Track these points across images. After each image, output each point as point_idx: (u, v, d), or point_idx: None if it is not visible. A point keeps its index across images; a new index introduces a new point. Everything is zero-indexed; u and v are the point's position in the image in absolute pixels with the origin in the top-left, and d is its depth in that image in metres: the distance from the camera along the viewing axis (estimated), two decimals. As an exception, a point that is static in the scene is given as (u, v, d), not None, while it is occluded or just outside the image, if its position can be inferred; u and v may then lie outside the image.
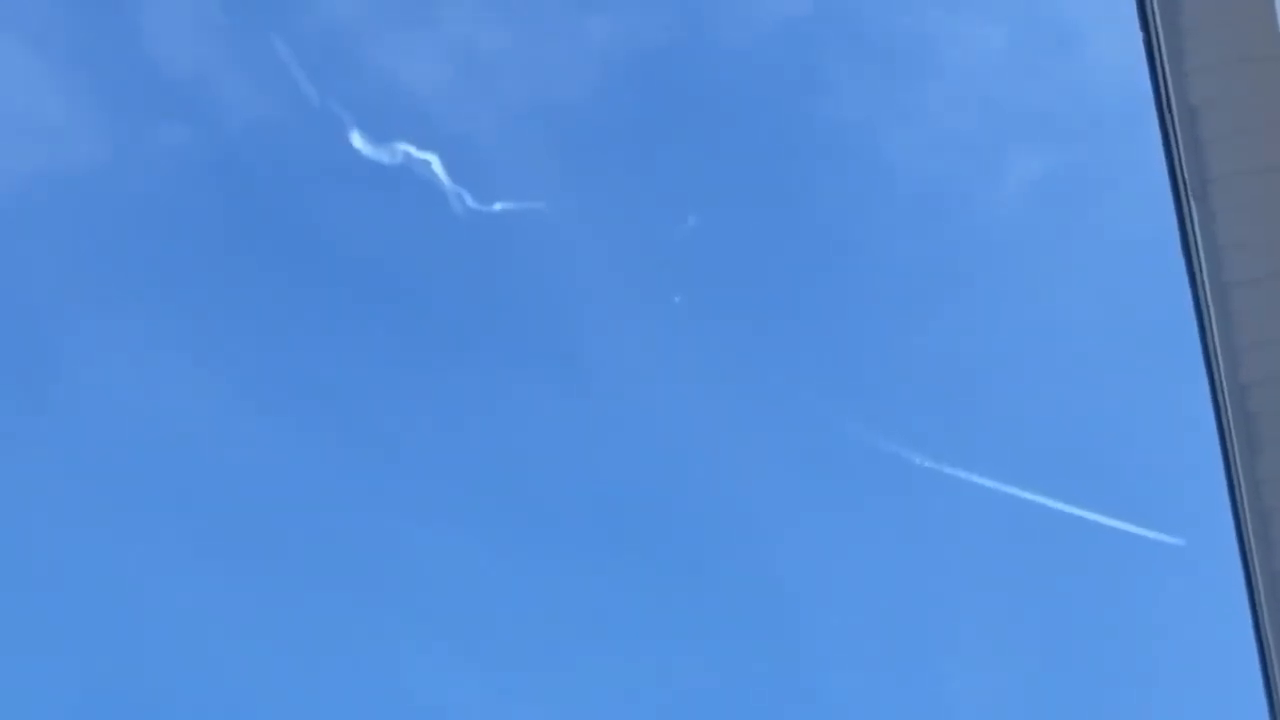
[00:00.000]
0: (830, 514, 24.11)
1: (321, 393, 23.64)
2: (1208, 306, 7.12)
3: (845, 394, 24.14)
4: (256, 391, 23.58)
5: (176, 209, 23.48)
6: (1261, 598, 7.68)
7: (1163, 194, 7.24)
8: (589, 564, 24.17)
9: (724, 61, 23.57)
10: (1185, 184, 6.96)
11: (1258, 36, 6.67)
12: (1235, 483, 7.39)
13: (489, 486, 23.79)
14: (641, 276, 23.26)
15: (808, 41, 23.50)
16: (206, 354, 23.41)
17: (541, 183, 22.99)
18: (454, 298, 23.33)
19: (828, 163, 23.89)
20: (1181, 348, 7.56)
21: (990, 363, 23.96)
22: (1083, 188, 24.06)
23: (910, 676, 23.89)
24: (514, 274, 23.17)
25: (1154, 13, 6.66)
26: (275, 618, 23.52)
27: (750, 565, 24.15)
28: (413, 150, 21.49)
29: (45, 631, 23.24)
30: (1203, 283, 7.07)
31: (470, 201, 21.68)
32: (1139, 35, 6.87)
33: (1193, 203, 6.94)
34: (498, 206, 21.85)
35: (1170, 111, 6.84)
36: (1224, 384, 7.13)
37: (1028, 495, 21.84)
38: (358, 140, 21.64)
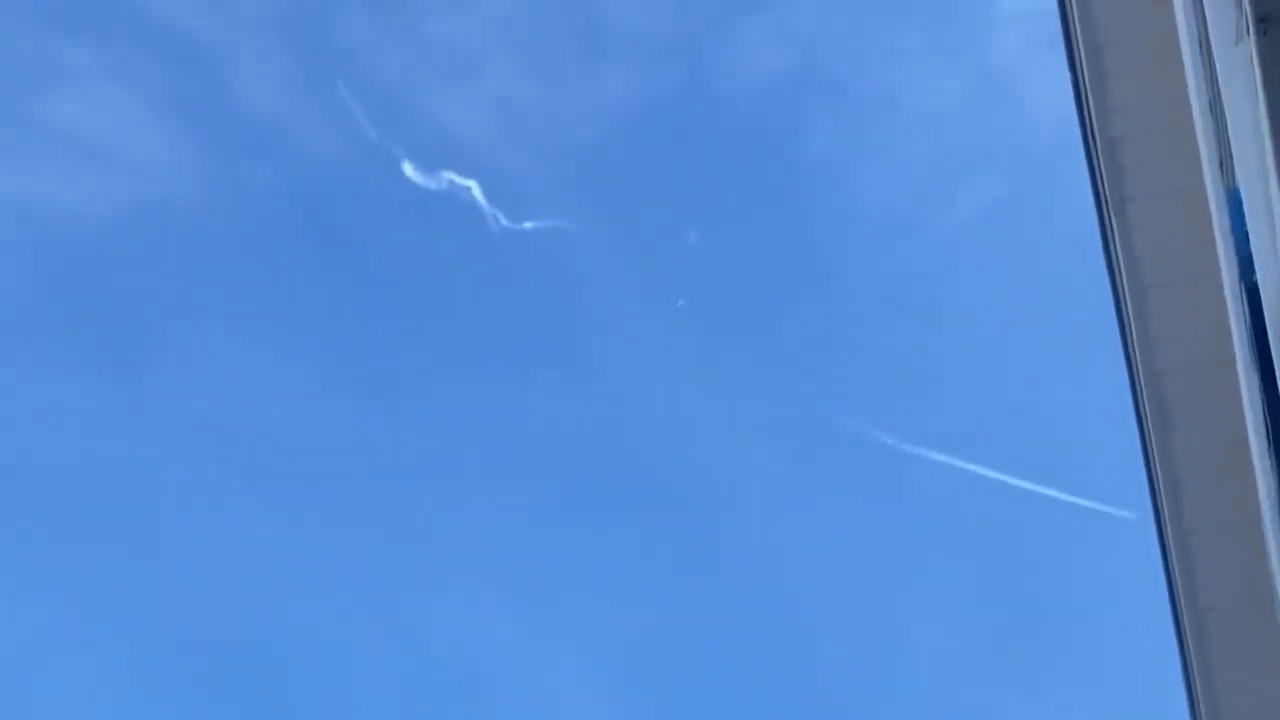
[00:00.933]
0: (812, 487, 24.22)
1: (380, 383, 23.78)
2: (1127, 306, 7.22)
3: (825, 385, 24.25)
4: (326, 383, 23.74)
5: (258, 231, 23.63)
6: (1173, 554, 7.76)
7: (1088, 212, 7.38)
8: (603, 529, 24.30)
9: (719, 105, 23.71)
10: (1108, 203, 7.07)
11: (1169, 81, 6.78)
12: (1150, 456, 7.48)
13: (520, 464, 23.92)
14: (649, 283, 23.41)
15: (791, 90, 23.65)
16: (283, 352, 23.57)
17: (564, 205, 23.17)
18: (489, 302, 23.48)
19: (808, 190, 24.03)
20: (1106, 341, 7.68)
21: (949, 359, 24.06)
22: (1022, 210, 24.20)
23: (879, 622, 23.97)
24: (541, 281, 23.35)
25: (1081, 60, 6.79)
26: (343, 569, 23.67)
27: (742, 530, 24.27)
28: (456, 178, 21.66)
29: (146, 582, 23.39)
30: (1123, 286, 7.17)
31: (504, 221, 21.86)
32: (1068, 78, 7.00)
33: (1114, 219, 7.06)
34: (527, 225, 22.03)
35: (1095, 143, 6.96)
36: (1141, 372, 7.21)
37: (986, 471, 21.94)
38: (409, 170, 21.82)
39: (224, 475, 23.49)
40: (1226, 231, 5.81)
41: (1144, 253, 7.08)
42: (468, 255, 23.14)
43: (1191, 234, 6.87)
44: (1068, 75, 7.15)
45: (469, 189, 21.60)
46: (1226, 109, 4.51)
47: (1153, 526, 7.96)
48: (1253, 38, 3.57)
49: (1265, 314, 4.20)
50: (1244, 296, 5.06)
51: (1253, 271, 5.07)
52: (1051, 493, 21.52)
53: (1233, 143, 4.38)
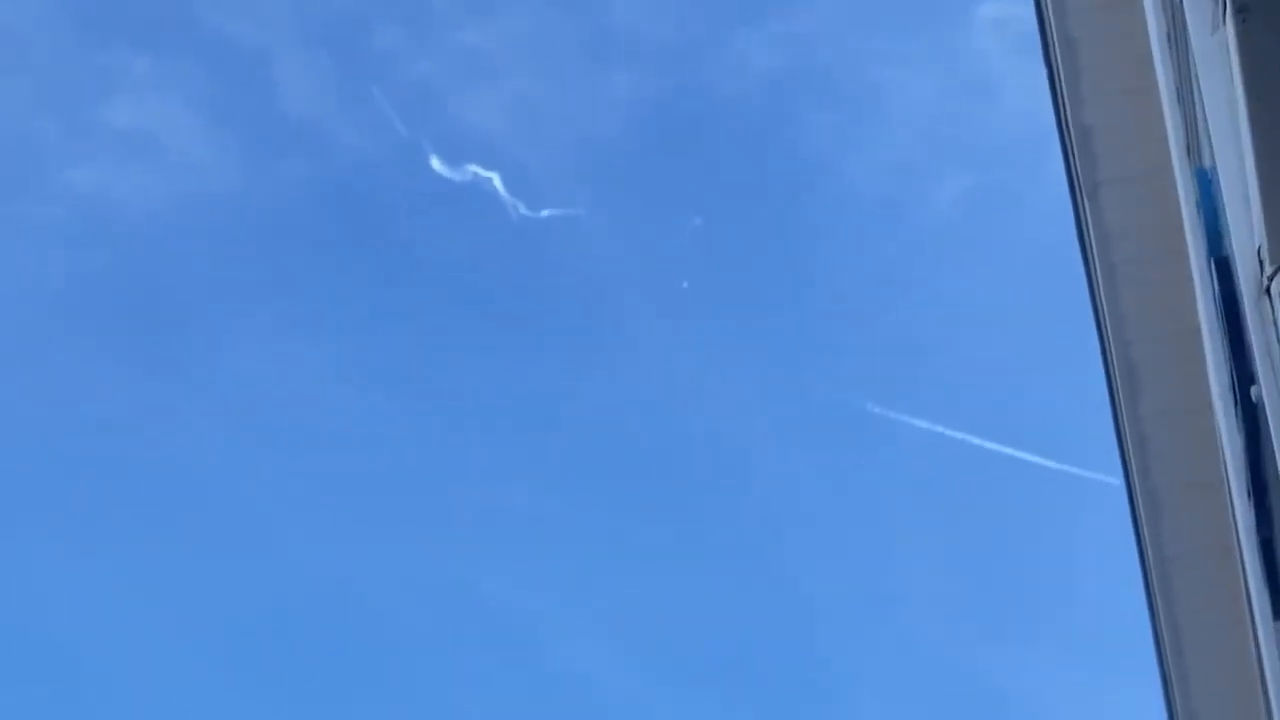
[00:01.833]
0: (806, 454, 24.13)
1: (409, 363, 23.71)
2: (1098, 282, 7.12)
3: (818, 359, 24.16)
4: (361, 365, 23.64)
5: (297, 223, 23.53)
6: (1140, 510, 7.67)
7: (1061, 199, 7.25)
8: (614, 495, 24.24)
9: (719, 103, 23.57)
10: (1080, 187, 6.96)
11: (1137, 73, 6.66)
12: (1120, 418, 7.38)
13: (536, 435, 23.86)
14: (656, 266, 23.31)
15: (785, 89, 23.49)
16: (322, 337, 23.47)
17: (578, 195, 23.05)
18: (509, 285, 23.41)
19: (801, 180, 23.90)
20: (1079, 314, 7.56)
21: (934, 335, 23.97)
22: (1000, 197, 24.06)
23: (870, 580, 23.91)
24: (557, 264, 23.26)
25: (1055, 54, 6.66)
26: (378, 540, 23.62)
27: (741, 492, 24.20)
28: (479, 171, 21.54)
29: (193, 552, 23.36)
30: (1094, 264, 7.07)
31: (523, 210, 21.74)
32: (1044, 72, 6.87)
33: (1086, 202, 6.94)
34: (544, 213, 21.90)
35: (1068, 130, 6.84)
36: (1111, 339, 7.12)
37: (969, 438, 21.87)
38: (436, 164, 21.68)
39: (264, 452, 23.42)
40: (1195, 210, 5.67)
41: (1114, 232, 6.97)
42: (489, 241, 23.07)
43: (1158, 215, 6.76)
44: (1043, 70, 7.01)
45: (491, 180, 21.48)
46: (1203, 95, 4.36)
47: (1122, 483, 7.87)
48: (1230, 26, 3.40)
49: (1238, 284, 4.06)
50: (1213, 268, 4.92)
51: (1220, 246, 4.93)
52: (1032, 458, 21.42)
53: (1209, 127, 4.23)
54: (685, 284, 22.83)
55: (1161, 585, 7.61)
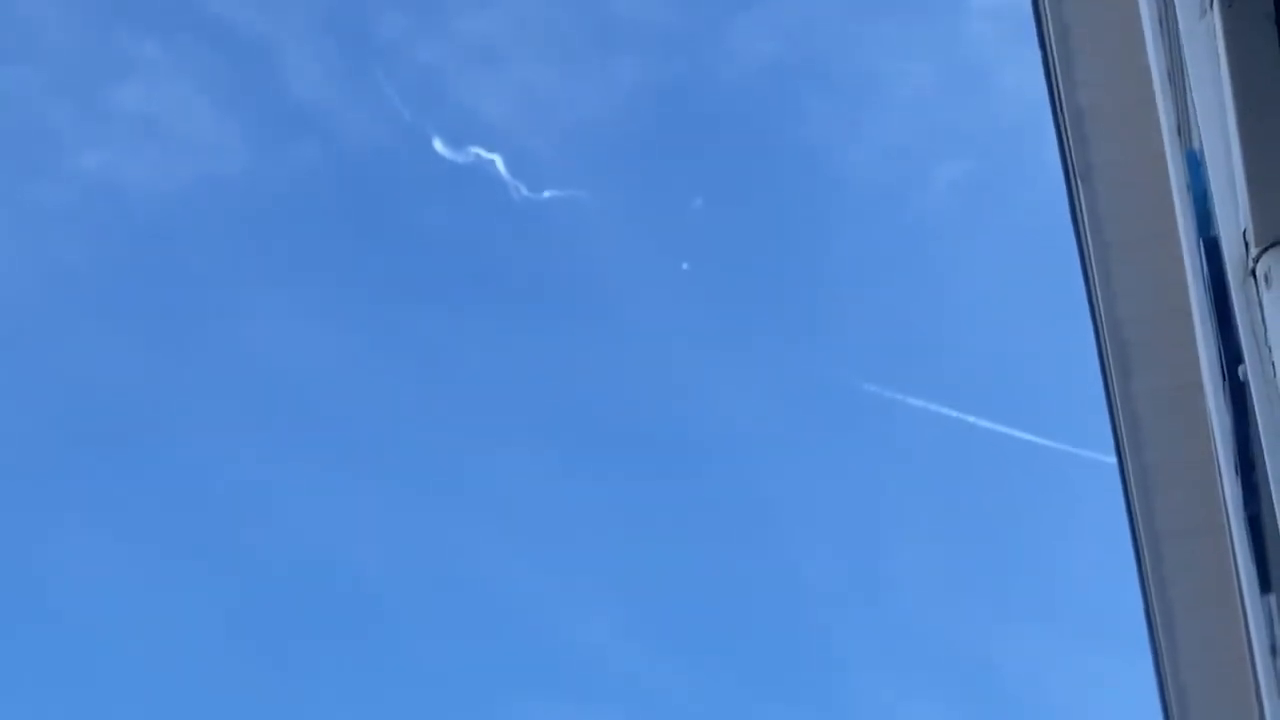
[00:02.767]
0: (805, 431, 24.19)
1: (414, 344, 23.76)
2: (1091, 263, 7.15)
3: (816, 339, 24.20)
4: (366, 345, 23.69)
5: (305, 206, 23.57)
6: (1133, 487, 7.71)
7: (1055, 181, 7.28)
8: (615, 470, 24.32)
9: (718, 90, 23.59)
10: (1074, 169, 6.98)
11: (1130, 56, 6.68)
12: (1112, 397, 7.42)
13: (541, 411, 23.92)
14: (656, 248, 23.37)
15: (783, 76, 23.51)
16: (329, 314, 23.52)
17: (579, 177, 23.09)
18: (512, 264, 23.46)
19: (800, 166, 23.92)
20: (1072, 295, 7.60)
21: (931, 316, 24.01)
22: (995, 182, 24.11)
23: (860, 546, 24.01)
24: (558, 245, 23.32)
25: (1050, 37, 6.68)
26: (383, 511, 23.70)
27: (741, 467, 24.28)
28: (482, 153, 21.58)
29: (204, 528, 23.43)
30: (1088, 245, 7.10)
31: (525, 191, 21.78)
32: (1038, 56, 6.89)
33: (1080, 183, 6.97)
34: (546, 195, 21.96)
35: (1062, 113, 6.86)
36: (1104, 320, 7.15)
37: (967, 417, 21.92)
38: (440, 147, 21.72)
39: (273, 428, 23.49)
40: (1185, 191, 5.70)
41: (1107, 213, 6.99)
42: (492, 221, 23.11)
43: (1150, 196, 6.78)
44: (1037, 54, 7.03)
45: (493, 162, 21.53)
46: (1190, 78, 4.39)
47: (1114, 461, 7.90)
48: (1217, 10, 3.44)
49: (1225, 263, 4.09)
50: (1202, 249, 4.95)
51: (1210, 226, 4.96)
52: (1027, 436, 21.49)
53: (1197, 109, 4.26)
54: (685, 266, 22.88)
55: (1153, 561, 7.66)
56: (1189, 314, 6.69)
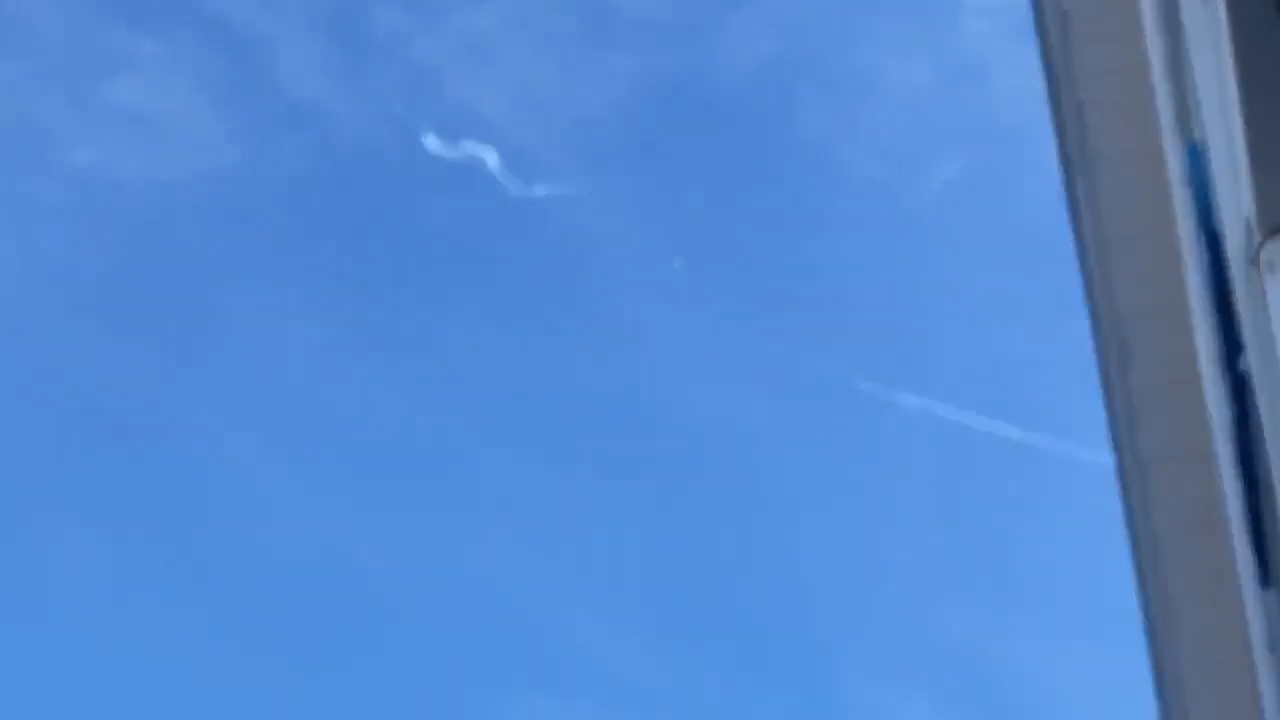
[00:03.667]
0: (797, 428, 24.19)
1: (407, 340, 23.74)
2: (1091, 258, 7.13)
3: (811, 337, 24.20)
4: (357, 341, 23.67)
5: (298, 202, 23.55)
6: (1130, 482, 7.68)
7: (1052, 178, 7.25)
8: (608, 468, 24.31)
9: (714, 86, 23.59)
10: (1073, 162, 6.96)
11: (1130, 48, 6.66)
12: (1111, 391, 7.40)
13: (533, 407, 23.92)
14: (651, 245, 23.36)
15: (780, 72, 23.50)
16: (321, 313, 23.50)
17: (573, 174, 23.09)
18: (504, 261, 23.47)
19: (796, 162, 23.92)
20: (1069, 293, 7.57)
21: (927, 313, 24.02)
22: (993, 179, 24.14)
23: (854, 544, 24.01)
24: (550, 242, 23.32)
25: (1049, 28, 6.66)
26: (377, 510, 23.68)
27: (734, 464, 24.28)
28: (475, 149, 21.58)
29: (197, 528, 23.40)
30: (1086, 236, 7.08)
31: (518, 188, 21.76)
32: (1036, 48, 6.86)
33: (1078, 176, 6.95)
34: (539, 191, 21.94)
35: (1062, 106, 6.84)
36: (1102, 314, 7.13)
37: (964, 416, 21.93)
38: (433, 143, 21.69)
39: (266, 426, 23.46)
40: (1184, 183, 5.68)
41: (1106, 206, 6.97)
42: (484, 218, 23.11)
43: (1150, 189, 6.76)
44: (1036, 46, 7.00)
45: (485, 159, 21.53)
46: (1193, 68, 4.38)
47: (1113, 458, 7.88)
48: (1221, 0, 3.40)
49: (1227, 255, 4.08)
50: (1202, 241, 4.94)
51: (1210, 218, 4.95)
52: (1023, 435, 21.49)
53: (1201, 99, 4.24)
54: (677, 264, 22.88)
55: (1150, 556, 7.63)
56: (1188, 308, 6.67)
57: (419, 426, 23.80)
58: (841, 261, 24.08)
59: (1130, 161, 6.89)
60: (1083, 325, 7.63)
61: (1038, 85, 7.11)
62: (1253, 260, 3.63)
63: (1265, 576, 5.42)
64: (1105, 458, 8.08)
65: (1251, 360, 3.84)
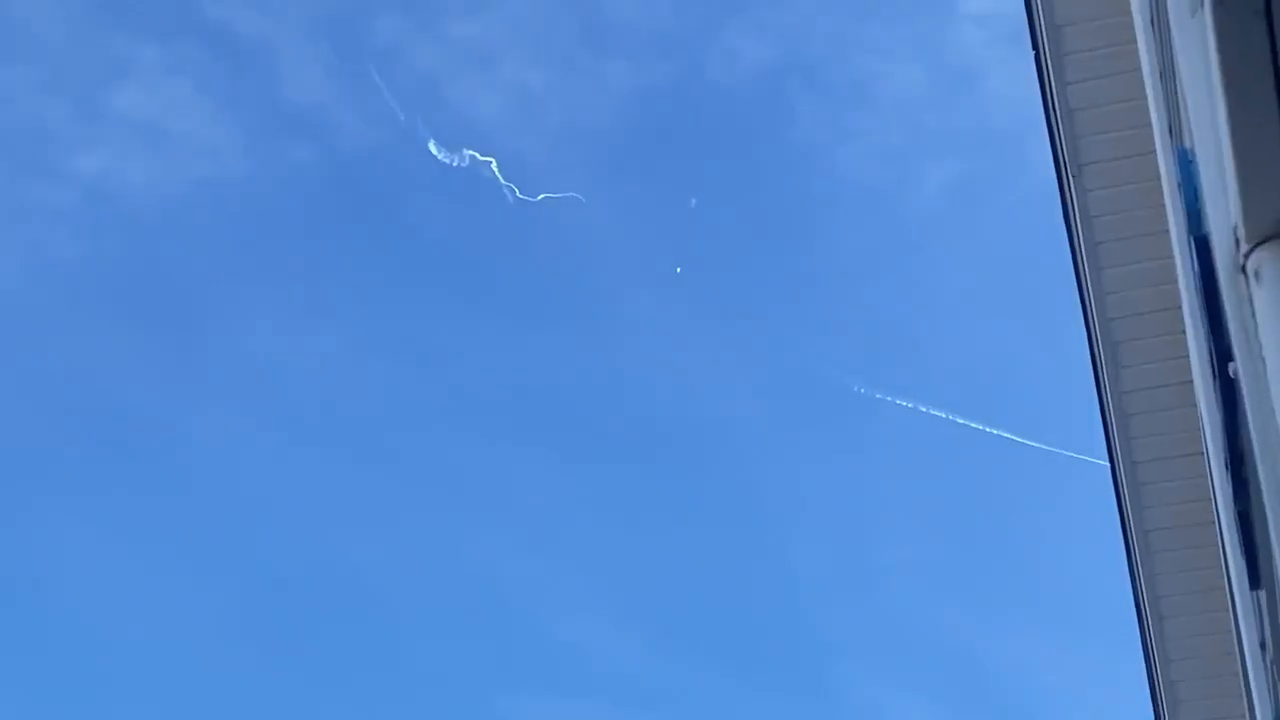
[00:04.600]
0: (794, 429, 24.23)
1: (411, 344, 23.78)
2: (1083, 259, 7.15)
3: (807, 339, 24.22)
4: (362, 345, 23.71)
5: (301, 208, 23.60)
6: (1123, 484, 7.72)
7: (1044, 183, 7.28)
8: (609, 466, 24.35)
9: (711, 93, 23.65)
10: (1066, 168, 6.99)
11: (1122, 56, 6.69)
12: (1103, 394, 7.43)
13: (533, 409, 23.95)
14: (649, 250, 23.40)
15: (775, 78, 23.55)
16: (324, 314, 23.53)
17: (573, 180, 23.14)
18: (505, 265, 23.50)
19: (792, 168, 23.96)
20: (1061, 298, 7.60)
21: (920, 316, 24.04)
22: (985, 184, 24.20)
23: (850, 544, 24.04)
24: (551, 247, 23.36)
25: (1042, 34, 6.69)
26: (381, 504, 23.72)
27: (732, 466, 24.30)
28: (476, 155, 21.61)
29: (202, 520, 23.42)
30: (1079, 241, 7.11)
31: (519, 193, 21.80)
32: (1029, 54, 6.89)
33: (1072, 181, 6.97)
34: (540, 197, 21.98)
35: (1055, 113, 6.87)
36: (1095, 318, 7.16)
37: (954, 418, 21.95)
38: (435, 149, 21.74)
39: (269, 427, 23.50)
40: (1175, 189, 5.70)
41: (1098, 212, 7.00)
42: (486, 223, 23.16)
43: (1142, 194, 6.79)
44: (1029, 52, 7.02)
45: (488, 165, 21.57)
46: (1181, 77, 4.39)
47: (1105, 459, 7.91)
48: (1208, 8, 3.44)
49: (1216, 262, 4.09)
50: (1192, 247, 4.95)
51: (1200, 224, 4.96)
52: (1016, 438, 21.54)
53: (1189, 108, 4.26)
54: (678, 269, 22.92)
55: (1143, 556, 7.66)
56: (1179, 312, 6.70)
57: (420, 427, 23.85)
58: (837, 265, 24.15)
59: (1122, 168, 6.92)
60: (1076, 328, 7.67)
61: (1031, 92, 7.15)
62: (1240, 269, 3.64)
63: (1255, 577, 5.43)
64: (1098, 459, 8.13)
65: (1239, 367, 3.86)
